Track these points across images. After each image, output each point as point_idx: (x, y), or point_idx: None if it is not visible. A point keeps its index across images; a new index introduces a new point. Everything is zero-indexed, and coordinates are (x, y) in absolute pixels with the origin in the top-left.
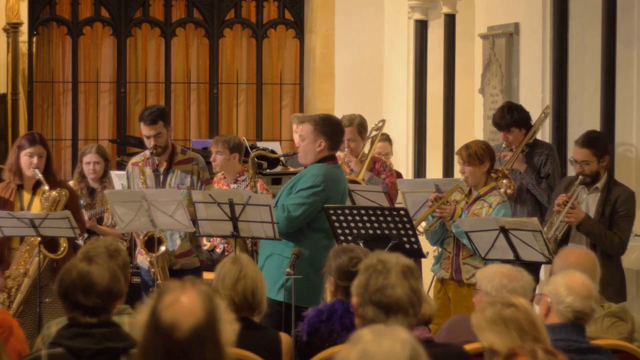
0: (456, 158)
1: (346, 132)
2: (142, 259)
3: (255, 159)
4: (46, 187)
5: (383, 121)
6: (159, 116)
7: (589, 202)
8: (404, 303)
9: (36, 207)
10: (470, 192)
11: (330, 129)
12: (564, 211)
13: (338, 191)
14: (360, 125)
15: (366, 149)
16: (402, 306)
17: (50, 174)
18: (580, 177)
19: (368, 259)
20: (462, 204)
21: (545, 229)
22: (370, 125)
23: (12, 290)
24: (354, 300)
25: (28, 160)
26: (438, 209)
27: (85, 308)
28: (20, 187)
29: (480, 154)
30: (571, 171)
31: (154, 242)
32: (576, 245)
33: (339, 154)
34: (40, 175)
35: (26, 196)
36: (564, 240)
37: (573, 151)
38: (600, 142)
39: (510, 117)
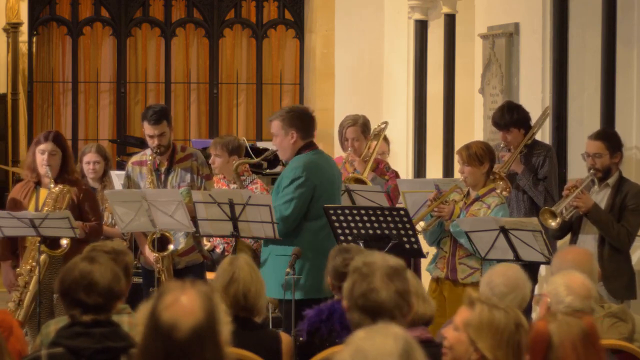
0: (456, 158)
1: (350, 132)
2: (144, 259)
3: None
4: (51, 185)
5: (385, 123)
6: (163, 116)
7: (599, 198)
8: (388, 306)
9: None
10: (468, 192)
11: (298, 118)
12: (572, 195)
13: (323, 176)
14: (363, 125)
15: (369, 150)
16: (387, 309)
17: (65, 172)
18: (591, 171)
19: (355, 261)
20: (460, 204)
21: (553, 207)
22: (373, 126)
23: (23, 288)
24: (344, 303)
25: (40, 157)
26: (436, 208)
27: (85, 306)
28: (38, 185)
29: (480, 154)
30: (571, 172)
31: (161, 241)
32: (585, 237)
33: (342, 154)
34: (49, 173)
35: (43, 193)
36: (575, 233)
37: (586, 145)
38: (614, 138)
39: (510, 117)
